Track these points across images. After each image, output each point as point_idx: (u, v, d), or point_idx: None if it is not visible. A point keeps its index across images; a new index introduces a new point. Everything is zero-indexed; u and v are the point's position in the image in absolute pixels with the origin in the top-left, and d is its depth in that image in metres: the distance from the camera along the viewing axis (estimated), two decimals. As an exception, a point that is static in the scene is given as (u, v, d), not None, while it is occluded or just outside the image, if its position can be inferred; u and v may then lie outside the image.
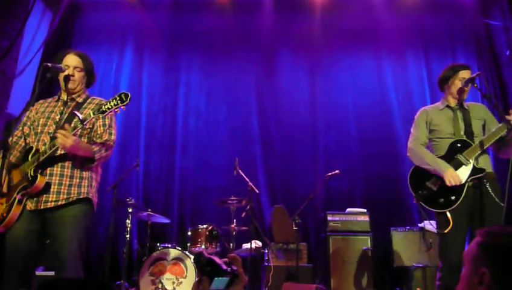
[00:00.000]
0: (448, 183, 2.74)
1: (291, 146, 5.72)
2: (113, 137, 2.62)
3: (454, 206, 2.71)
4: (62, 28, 5.83)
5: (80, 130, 2.40)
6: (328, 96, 5.89)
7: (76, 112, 2.37)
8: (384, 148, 5.54)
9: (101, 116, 2.37)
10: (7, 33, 4.88)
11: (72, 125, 2.38)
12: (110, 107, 2.32)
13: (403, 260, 4.58)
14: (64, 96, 2.66)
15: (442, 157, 2.87)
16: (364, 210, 4.81)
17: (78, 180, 2.48)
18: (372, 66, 6.02)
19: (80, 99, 2.66)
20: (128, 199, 4.35)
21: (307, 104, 5.89)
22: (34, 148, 2.46)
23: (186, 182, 5.58)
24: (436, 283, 2.75)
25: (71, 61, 2.64)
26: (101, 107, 2.33)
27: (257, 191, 4.50)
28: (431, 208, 2.80)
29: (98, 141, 2.56)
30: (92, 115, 2.34)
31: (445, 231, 2.70)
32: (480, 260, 1.16)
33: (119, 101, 2.32)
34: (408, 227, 4.75)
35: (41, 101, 2.70)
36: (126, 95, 2.33)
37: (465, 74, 2.98)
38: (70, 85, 2.61)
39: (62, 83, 2.63)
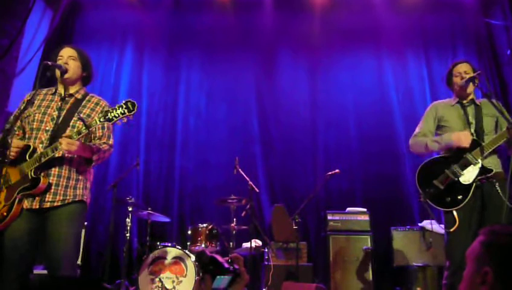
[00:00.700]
0: (462, 144, 2.72)
1: (291, 145, 5.71)
2: (111, 141, 2.62)
3: (461, 205, 2.70)
4: (62, 26, 5.83)
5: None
6: (328, 96, 5.88)
7: (82, 118, 2.36)
8: (384, 147, 5.53)
9: (106, 124, 2.36)
10: (7, 32, 4.88)
11: (76, 130, 2.37)
12: (116, 115, 2.29)
13: (403, 260, 4.57)
14: (62, 91, 2.63)
15: (450, 155, 2.85)
16: (365, 209, 4.80)
17: (74, 182, 2.48)
18: (372, 65, 6.01)
19: (78, 96, 2.64)
20: (128, 198, 4.34)
21: (307, 104, 5.88)
22: (31, 147, 2.43)
23: (186, 181, 5.58)
24: (442, 282, 2.75)
25: (65, 52, 2.63)
26: (107, 114, 2.30)
27: (257, 190, 4.49)
28: (438, 206, 2.78)
29: (97, 142, 2.56)
30: (98, 122, 2.33)
31: (451, 230, 2.70)
32: (483, 259, 1.14)
33: (125, 110, 2.29)
34: (408, 226, 4.74)
35: (37, 92, 2.63)
36: (133, 104, 2.30)
37: (459, 68, 2.98)
38: (66, 75, 2.58)
39: (59, 78, 2.61)
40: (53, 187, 2.41)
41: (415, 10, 5.91)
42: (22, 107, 2.53)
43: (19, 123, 2.56)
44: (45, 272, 3.81)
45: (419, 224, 4.71)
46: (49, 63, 2.52)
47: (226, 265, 1.06)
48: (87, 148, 2.46)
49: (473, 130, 2.85)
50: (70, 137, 2.32)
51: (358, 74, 5.97)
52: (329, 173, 4.45)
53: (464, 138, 2.75)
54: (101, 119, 2.31)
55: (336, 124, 5.79)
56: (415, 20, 6.01)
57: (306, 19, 6.04)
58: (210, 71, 6.01)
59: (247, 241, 4.43)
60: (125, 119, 2.31)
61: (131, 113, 2.29)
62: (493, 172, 2.74)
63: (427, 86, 5.81)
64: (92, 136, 2.59)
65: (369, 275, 4.46)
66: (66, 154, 2.44)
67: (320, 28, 6.00)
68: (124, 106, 2.29)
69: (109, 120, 2.30)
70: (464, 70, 2.97)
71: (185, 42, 6.09)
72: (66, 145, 2.28)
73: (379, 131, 5.64)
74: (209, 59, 6.05)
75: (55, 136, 2.41)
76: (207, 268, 1.05)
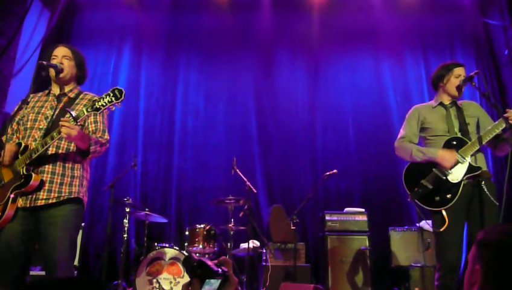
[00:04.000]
0: (444, 164, 2.72)
1: (289, 146, 5.71)
2: (106, 135, 2.58)
3: (450, 204, 2.69)
4: (60, 27, 5.82)
5: None
6: (326, 96, 5.88)
7: (68, 109, 2.31)
8: (382, 148, 5.52)
9: (99, 117, 2.31)
10: (5, 32, 4.86)
11: None
12: (104, 104, 2.24)
13: (400, 260, 4.58)
14: (55, 91, 2.62)
15: None
16: (363, 210, 4.79)
17: (69, 179, 2.45)
18: (370, 66, 6.01)
19: (72, 95, 2.62)
20: (125, 199, 4.33)
21: (305, 104, 5.88)
22: (23, 145, 2.41)
23: (184, 182, 5.57)
24: (435, 283, 2.72)
25: (59, 51, 2.62)
26: (95, 104, 2.25)
27: (255, 191, 4.47)
28: (426, 206, 2.76)
29: (92, 136, 2.53)
30: (85, 112, 2.27)
31: (441, 230, 2.68)
32: (476, 257, 1.15)
33: (113, 98, 2.23)
34: (406, 227, 4.75)
35: (31, 96, 2.63)
36: (120, 91, 2.23)
37: (460, 71, 2.97)
38: (61, 75, 2.56)
39: (53, 77, 2.60)
40: (47, 184, 2.38)
41: (413, 11, 5.91)
42: (16, 109, 2.52)
43: (15, 126, 2.55)
44: (42, 273, 3.82)
45: (417, 224, 4.70)
46: (44, 62, 2.50)
47: (215, 268, 1.04)
48: (86, 137, 2.40)
49: (457, 130, 2.86)
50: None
51: (357, 75, 5.97)
52: (328, 173, 4.44)
53: (448, 158, 2.73)
54: (89, 109, 2.26)
55: (334, 124, 5.78)
56: (413, 21, 6.00)
57: (304, 20, 6.05)
58: (208, 72, 6.00)
59: (245, 242, 4.41)
60: (113, 108, 2.26)
61: (119, 100, 2.23)
62: (481, 170, 2.73)
63: (425, 86, 5.81)
64: (85, 131, 2.55)
65: (367, 275, 4.45)
66: (56, 149, 2.40)
67: (318, 29, 6.01)
68: (112, 94, 2.24)
69: (97, 109, 2.25)
70: (463, 74, 2.98)
71: (183, 43, 6.09)
72: (67, 129, 2.22)
73: (377, 132, 5.64)
74: (208, 60, 6.05)
75: (48, 133, 2.38)
76: (195, 272, 1.03)
